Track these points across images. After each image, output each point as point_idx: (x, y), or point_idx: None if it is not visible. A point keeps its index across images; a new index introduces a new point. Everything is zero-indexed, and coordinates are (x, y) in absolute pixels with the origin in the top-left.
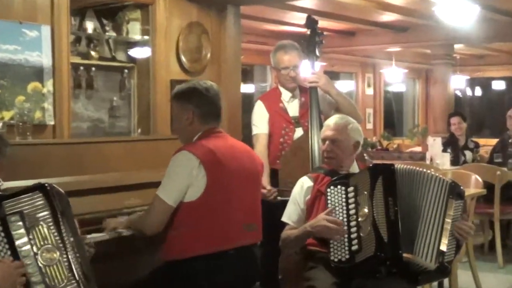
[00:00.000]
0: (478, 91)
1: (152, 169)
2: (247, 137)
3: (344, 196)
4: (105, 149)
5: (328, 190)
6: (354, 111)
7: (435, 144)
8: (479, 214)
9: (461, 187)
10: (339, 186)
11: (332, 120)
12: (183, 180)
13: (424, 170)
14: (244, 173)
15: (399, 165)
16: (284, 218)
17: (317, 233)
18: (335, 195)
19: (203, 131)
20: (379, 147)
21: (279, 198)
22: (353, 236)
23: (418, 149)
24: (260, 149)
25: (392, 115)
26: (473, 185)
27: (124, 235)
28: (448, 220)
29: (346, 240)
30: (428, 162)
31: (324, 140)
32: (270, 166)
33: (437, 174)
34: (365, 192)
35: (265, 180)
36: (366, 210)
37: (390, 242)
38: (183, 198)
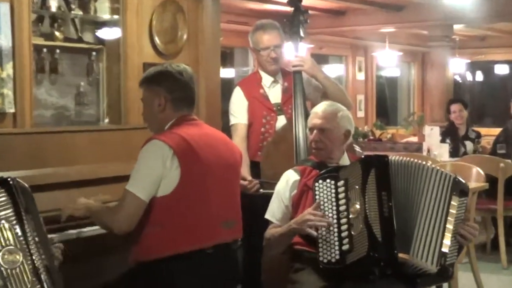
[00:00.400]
0: (480, 76)
1: (123, 162)
2: (227, 126)
3: (333, 191)
4: (70, 139)
5: (316, 184)
6: (343, 97)
7: (432, 133)
8: (481, 210)
9: (465, 183)
10: (328, 180)
11: (320, 107)
12: (155, 172)
13: (423, 162)
14: (222, 163)
15: (393, 156)
16: (267, 216)
17: (302, 230)
18: (324, 189)
19: (176, 118)
20: (371, 137)
21: (261, 190)
22: (343, 234)
23: (414, 139)
24: (238, 141)
25: (385, 102)
26: (475, 178)
27: (88, 235)
28: (451, 219)
29: (336, 239)
30: (424, 153)
31: (311, 129)
32: (251, 159)
33: (437, 168)
34: (357, 187)
35: (245, 170)
36: (357, 206)
37: (385, 241)
38: (155, 193)
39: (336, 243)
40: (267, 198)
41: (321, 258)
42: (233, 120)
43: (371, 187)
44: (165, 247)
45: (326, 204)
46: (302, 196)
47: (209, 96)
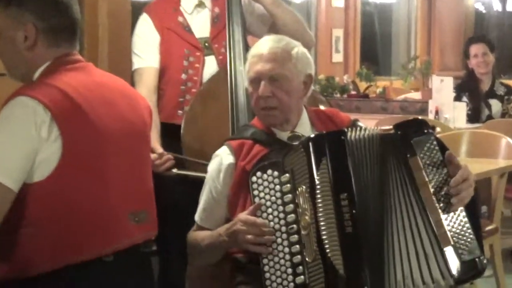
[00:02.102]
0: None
1: None
2: None
3: (277, 188)
4: None
5: (254, 178)
6: (301, 31)
7: (443, 87)
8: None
9: (417, 121)
10: (269, 171)
11: (265, 45)
12: (25, 146)
13: (376, 129)
14: (125, 128)
15: (352, 131)
16: (195, 216)
17: (234, 244)
18: (265, 186)
19: (52, 60)
20: (353, 92)
21: (174, 170)
22: (296, 260)
23: (416, 95)
24: (144, 95)
25: (375, 41)
26: (504, 153)
27: None
28: (426, 194)
29: (287, 264)
30: (431, 116)
31: (254, 80)
32: (166, 120)
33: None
34: (304, 186)
35: (154, 138)
36: (307, 217)
37: (350, 275)
38: (27, 178)
39: (289, 271)
40: (185, 182)
41: None
42: (137, 63)
43: (324, 186)
44: (42, 258)
45: (269, 210)
46: (242, 187)
47: (113, 27)
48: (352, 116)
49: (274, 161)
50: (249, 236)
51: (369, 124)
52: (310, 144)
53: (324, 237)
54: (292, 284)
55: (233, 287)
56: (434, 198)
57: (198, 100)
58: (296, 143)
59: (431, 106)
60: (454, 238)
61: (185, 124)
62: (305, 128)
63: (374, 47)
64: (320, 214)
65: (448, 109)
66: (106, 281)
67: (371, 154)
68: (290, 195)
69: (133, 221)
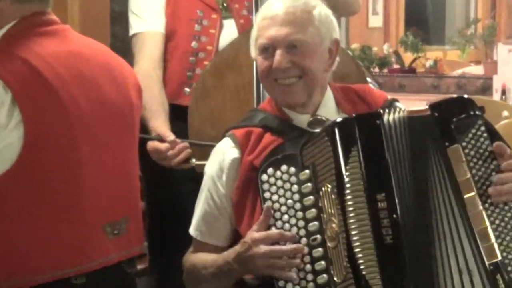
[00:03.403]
0: None
1: None
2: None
3: (295, 189)
4: None
5: (264, 176)
6: None
7: (511, 59)
8: None
9: (460, 100)
10: (284, 167)
11: (279, 4)
12: None
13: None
14: (104, 113)
15: (390, 113)
16: (191, 230)
17: (252, 272)
18: (279, 187)
19: (18, 19)
20: (395, 66)
21: (193, 161)
22: (321, 280)
23: (477, 69)
24: (147, 67)
25: (424, 2)
26: None
27: None
28: (469, 194)
29: (310, 286)
30: (497, 96)
31: (267, 48)
32: (170, 100)
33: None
34: (329, 185)
35: (161, 122)
36: (334, 225)
37: None
38: None
39: None
40: (200, 175)
41: None
42: (137, 27)
43: (355, 184)
44: None
45: (285, 217)
46: (249, 188)
47: None
48: (396, 97)
49: (290, 154)
50: (272, 261)
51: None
52: (336, 130)
53: (356, 250)
54: None
55: None
56: (478, 200)
57: (211, 71)
58: (317, 130)
59: (496, 84)
60: (503, 252)
61: (193, 102)
62: (329, 110)
63: (423, 8)
64: (351, 221)
65: None
66: None
67: (412, 143)
68: (311, 197)
69: (108, 235)
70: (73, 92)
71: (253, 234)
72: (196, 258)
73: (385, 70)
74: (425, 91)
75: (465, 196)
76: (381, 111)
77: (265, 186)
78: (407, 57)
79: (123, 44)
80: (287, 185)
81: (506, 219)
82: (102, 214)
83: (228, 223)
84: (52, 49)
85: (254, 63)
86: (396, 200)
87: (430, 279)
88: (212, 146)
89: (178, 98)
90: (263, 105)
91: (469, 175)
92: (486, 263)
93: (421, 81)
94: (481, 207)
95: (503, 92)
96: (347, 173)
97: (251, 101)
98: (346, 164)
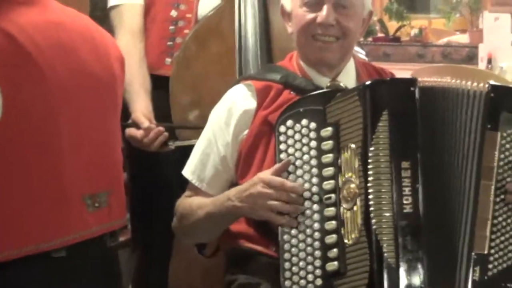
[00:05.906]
0: None
1: None
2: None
3: (314, 145)
4: None
5: (282, 128)
6: None
7: (498, 27)
8: None
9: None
10: (304, 121)
11: None
12: None
13: (460, 83)
14: (84, 82)
15: (425, 79)
16: (186, 172)
17: (250, 211)
18: (296, 140)
19: None
20: (379, 35)
21: (171, 143)
22: (329, 240)
23: (463, 37)
24: (127, 39)
25: None
26: None
27: None
28: (487, 182)
29: (316, 245)
30: (482, 65)
31: (315, 1)
32: (151, 70)
33: (472, 85)
34: (353, 145)
35: (139, 105)
36: (353, 185)
37: (403, 267)
38: None
39: (317, 253)
40: (185, 156)
41: (286, 283)
42: None
43: (380, 148)
44: None
45: (299, 171)
46: (259, 143)
47: None
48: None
49: (312, 108)
50: (274, 202)
51: (401, 76)
52: (367, 92)
53: (373, 214)
54: (319, 271)
55: (230, 285)
56: (493, 190)
57: (193, 39)
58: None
59: (482, 52)
60: (491, 249)
61: (175, 70)
62: (349, 79)
63: None
64: (370, 184)
65: (504, 56)
66: (57, 283)
67: (447, 115)
68: (331, 155)
69: (88, 206)
70: (52, 61)
71: (264, 174)
72: (192, 200)
73: (370, 39)
74: (410, 60)
75: (482, 182)
76: (416, 78)
77: (282, 137)
78: (392, 25)
79: (103, 13)
80: (305, 140)
81: (509, 220)
82: (82, 186)
83: (229, 176)
84: (31, 19)
85: (237, 29)
86: (420, 171)
87: (445, 254)
88: (190, 128)
89: (159, 68)
90: (283, 62)
91: (495, 164)
92: (473, 252)
93: (406, 50)
94: (492, 198)
95: (489, 61)
96: (373, 136)
97: (234, 68)
98: (374, 126)
